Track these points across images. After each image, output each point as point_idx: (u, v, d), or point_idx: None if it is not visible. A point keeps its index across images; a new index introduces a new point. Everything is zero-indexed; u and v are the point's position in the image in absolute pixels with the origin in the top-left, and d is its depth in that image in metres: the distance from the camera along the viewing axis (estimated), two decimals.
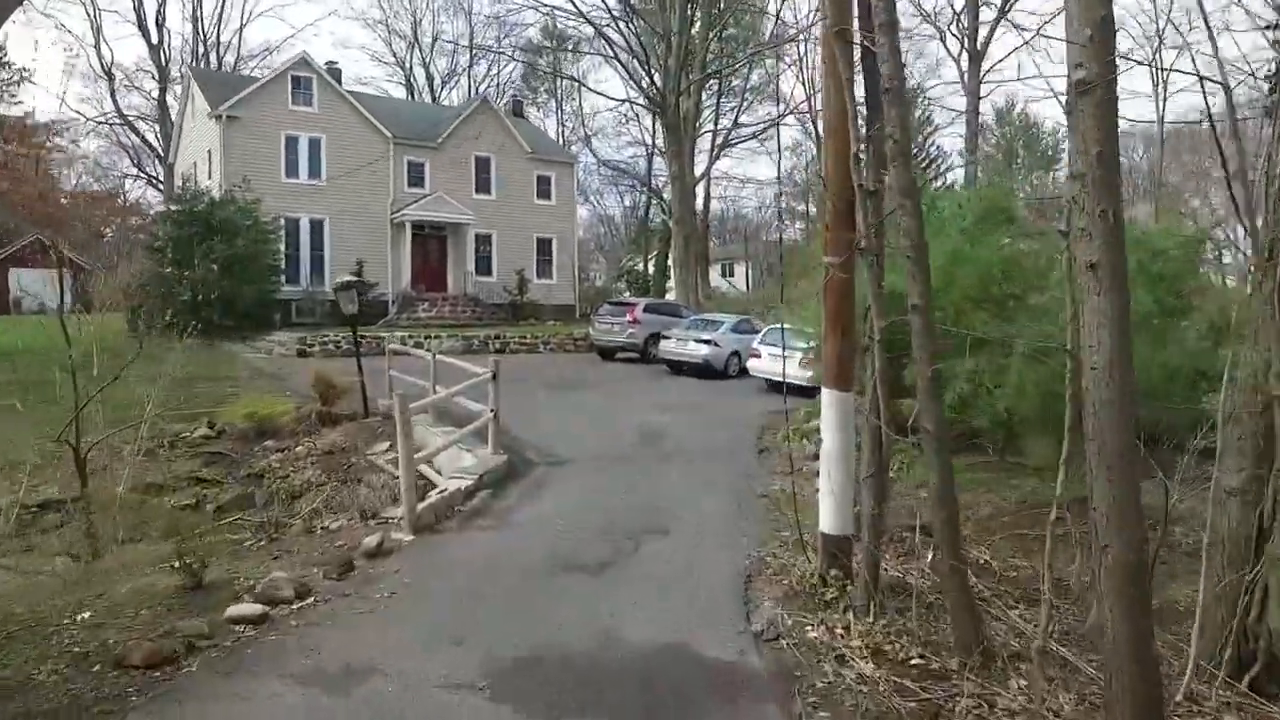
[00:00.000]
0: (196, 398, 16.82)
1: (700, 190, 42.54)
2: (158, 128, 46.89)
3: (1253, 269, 4.34)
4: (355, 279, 15.25)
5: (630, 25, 31.46)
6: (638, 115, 49.37)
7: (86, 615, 5.91)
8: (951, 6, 35.13)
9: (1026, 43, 34.06)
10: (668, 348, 21.24)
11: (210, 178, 28.37)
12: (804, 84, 44.79)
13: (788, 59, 44.15)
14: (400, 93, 50.55)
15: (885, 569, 5.88)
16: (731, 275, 60.99)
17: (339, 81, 31.02)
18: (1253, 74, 11.15)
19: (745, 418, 14.62)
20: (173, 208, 27.58)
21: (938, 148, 47.91)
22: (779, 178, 54.59)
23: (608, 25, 31.20)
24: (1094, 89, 3.29)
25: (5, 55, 42.79)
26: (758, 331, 21.04)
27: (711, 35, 34.65)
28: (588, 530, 7.71)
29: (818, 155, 47.58)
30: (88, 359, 11.07)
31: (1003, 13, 31.30)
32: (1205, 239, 10.96)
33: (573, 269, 36.32)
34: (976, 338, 10.43)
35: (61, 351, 10.99)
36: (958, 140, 46.39)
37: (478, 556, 7.04)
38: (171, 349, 23.77)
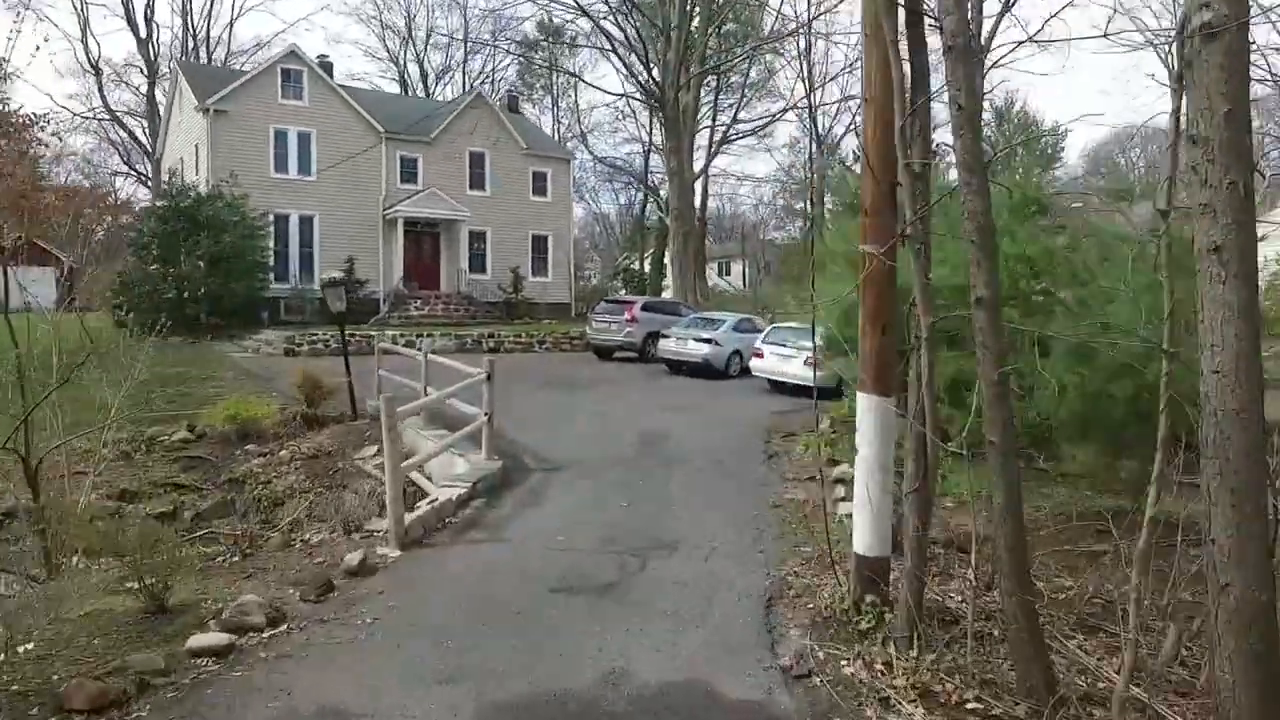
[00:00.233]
0: (177, 398, 16.19)
1: (698, 188, 41.93)
2: (146, 124, 46.14)
3: None
4: (343, 276, 14.56)
5: (629, 18, 30.84)
6: (634, 111, 48.83)
7: (30, 646, 5.27)
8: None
9: (1030, 38, 33.26)
10: (667, 347, 20.63)
11: (197, 173, 27.70)
12: (804, 80, 44.20)
13: (787, 54, 43.70)
14: (394, 89, 49.86)
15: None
16: (728, 274, 60.45)
17: (330, 75, 30.33)
18: None
19: (749, 420, 14.01)
20: (158, 203, 26.86)
21: (936, 146, 47.35)
22: (786, 170, 54.04)
23: (605, 18, 30.61)
24: (1223, 34, 2.70)
25: None
26: (759, 330, 20.47)
27: (710, 30, 34.06)
28: (589, 545, 7.09)
29: (819, 151, 47.05)
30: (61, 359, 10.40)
31: (1007, 6, 30.75)
32: None
33: (569, 267, 35.69)
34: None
35: (42, 351, 10.36)
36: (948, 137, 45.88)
37: (470, 575, 6.41)
38: (160, 347, 23.36)
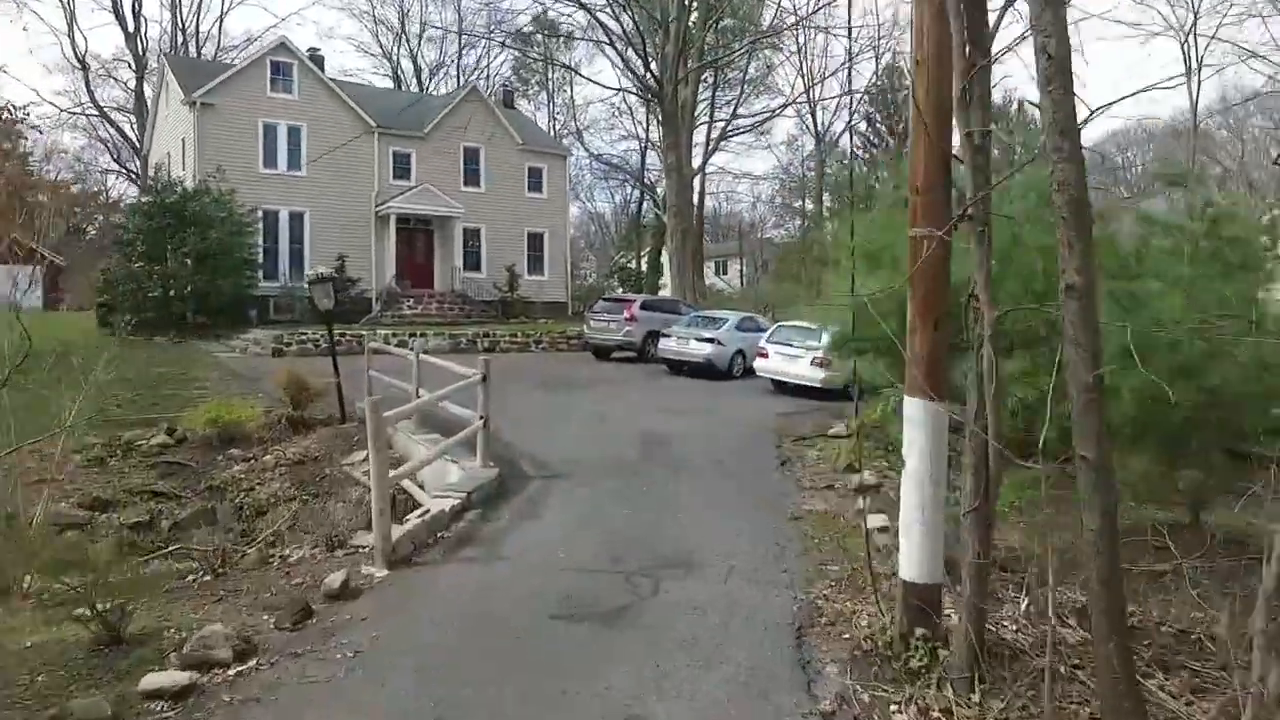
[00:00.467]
0: (159, 400, 15.50)
1: (695, 185, 41.30)
2: (135, 120, 45.35)
3: None
4: (330, 272, 13.92)
5: (626, 10, 30.18)
6: (631, 109, 48.23)
7: None
8: None
9: (1023, 36, 32.73)
10: (668, 346, 20.00)
11: (184, 168, 26.98)
12: (803, 76, 43.64)
13: (786, 49, 43.14)
14: (387, 85, 49.10)
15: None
16: (725, 273, 59.79)
17: (321, 69, 29.61)
18: None
19: (757, 422, 13.40)
20: (143, 199, 26.15)
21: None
22: (784, 168, 53.48)
23: (602, 9, 29.94)
24: None
25: None
26: (762, 330, 19.87)
27: (709, 24, 33.44)
28: (594, 563, 6.47)
29: (817, 147, 46.51)
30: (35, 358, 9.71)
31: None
32: None
33: (565, 265, 35.05)
34: (1025, 335, 9.24)
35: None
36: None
37: (463, 600, 5.78)
38: (144, 346, 22.69)
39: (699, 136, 40.93)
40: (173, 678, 4.57)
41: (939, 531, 4.45)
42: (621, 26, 30.73)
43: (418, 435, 11.49)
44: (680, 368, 19.86)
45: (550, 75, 49.12)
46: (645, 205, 50.34)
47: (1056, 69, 3.05)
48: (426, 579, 6.23)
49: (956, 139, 4.35)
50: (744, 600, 5.67)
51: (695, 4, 31.50)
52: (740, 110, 43.14)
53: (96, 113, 46.36)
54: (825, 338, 16.44)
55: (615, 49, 31.94)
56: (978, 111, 4.07)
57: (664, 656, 4.80)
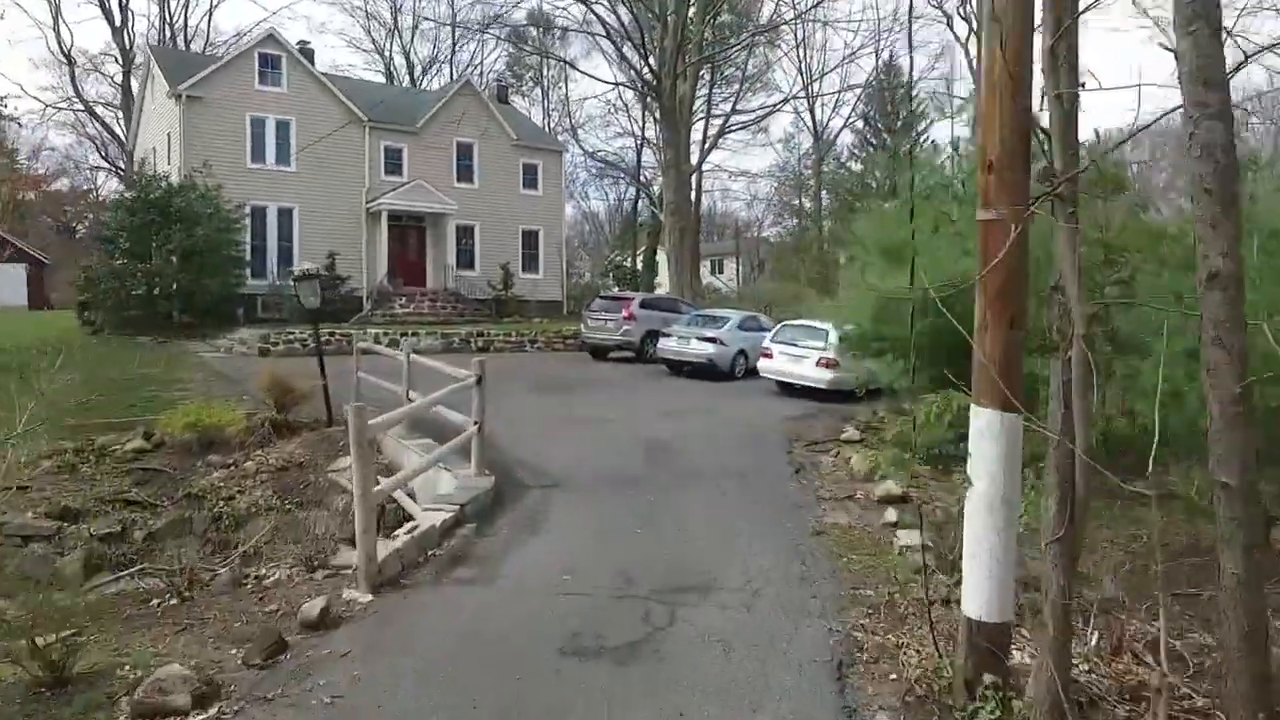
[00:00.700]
0: (138, 403, 14.81)
1: (692, 183, 40.67)
2: (123, 116, 44.50)
3: None
4: (316, 268, 13.24)
5: (624, 3, 29.55)
6: (627, 105, 47.61)
7: None
8: None
9: (1035, 28, 32.21)
10: (668, 346, 19.37)
11: (170, 162, 26.24)
12: (801, 73, 43.08)
13: (785, 45, 42.57)
14: (379, 81, 48.34)
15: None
16: (721, 272, 59.21)
17: (311, 62, 28.86)
18: None
19: (765, 426, 12.78)
20: (126, 194, 25.40)
21: (933, 143, 46.24)
22: (782, 166, 52.88)
23: (599, 2, 29.30)
24: None
25: None
26: (765, 329, 19.26)
27: (707, 19, 32.81)
28: (602, 587, 5.84)
29: (815, 144, 45.91)
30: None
31: None
32: None
33: (560, 263, 34.38)
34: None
35: None
36: (947, 131, 44.95)
37: (456, 631, 5.14)
38: (127, 346, 21.96)
39: (696, 134, 40.37)
40: None
41: (1011, 562, 3.83)
42: (619, 20, 30.12)
43: (409, 441, 10.84)
44: (680, 368, 19.24)
45: (545, 72, 48.49)
46: (641, 204, 49.72)
47: (1199, 8, 2.43)
48: (415, 606, 5.58)
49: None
50: (772, 631, 5.05)
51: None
52: (738, 107, 42.51)
53: (83, 108, 45.51)
54: (832, 337, 15.87)
55: (612, 42, 31.31)
56: (1066, 72, 3.46)
57: (689, 703, 4.17)
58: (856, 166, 47.27)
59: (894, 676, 4.42)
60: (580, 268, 56.95)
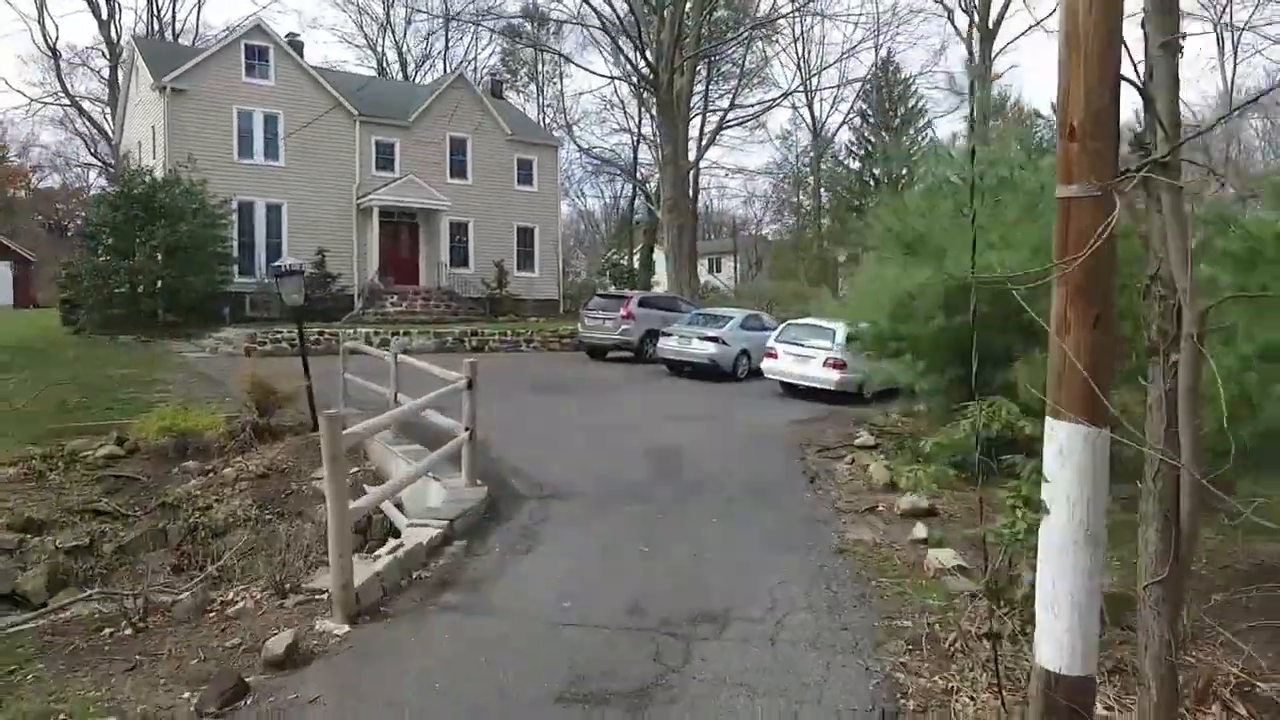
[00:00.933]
0: (114, 405, 14.16)
1: (689, 179, 40.03)
2: (110, 111, 43.74)
3: None
4: (299, 263, 12.57)
5: None
6: (623, 101, 47.00)
7: None
8: None
9: (1039, 23, 31.83)
10: (669, 346, 18.75)
11: (154, 156, 25.53)
12: (800, 69, 42.50)
13: (783, 40, 41.98)
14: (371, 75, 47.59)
15: None
16: (718, 271, 58.61)
17: (300, 54, 28.18)
18: None
19: (772, 430, 12.18)
20: (109, 189, 24.69)
21: (933, 140, 45.64)
22: (778, 164, 52.30)
23: None
24: None
25: None
26: (768, 328, 18.67)
27: (705, 11, 32.18)
28: (606, 616, 5.23)
29: (814, 140, 45.31)
30: None
31: None
32: None
33: (556, 261, 33.73)
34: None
35: None
36: (946, 129, 44.41)
37: (442, 671, 4.53)
38: (108, 345, 21.28)
39: (693, 130, 39.74)
40: None
41: (1095, 606, 3.23)
42: (615, 13, 29.48)
43: (397, 446, 10.22)
44: (681, 369, 18.64)
45: (540, 67, 47.82)
46: (638, 201, 49.11)
47: None
48: (397, 639, 4.96)
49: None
50: (801, 672, 4.44)
51: None
52: (736, 102, 41.88)
53: (69, 102, 44.72)
54: (840, 337, 15.29)
55: (608, 35, 30.65)
56: (1165, 18, 2.86)
57: None
58: (854, 164, 46.77)
59: None
60: (576, 266, 56.34)
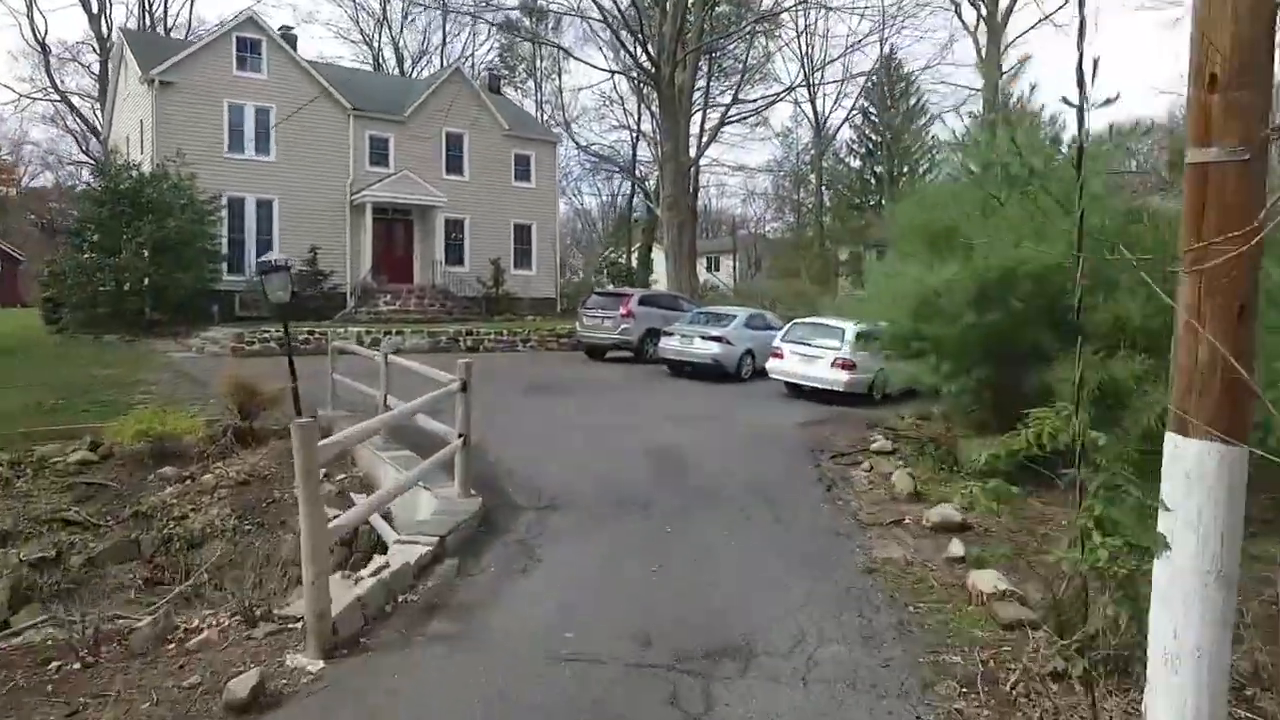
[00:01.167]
0: (91, 408, 13.49)
1: (689, 177, 39.41)
2: (100, 107, 43.04)
3: None
4: (284, 259, 11.98)
5: None
6: (622, 97, 46.38)
7: None
8: None
9: (1047, 17, 31.30)
10: (670, 345, 18.14)
11: (143, 151, 24.86)
12: (802, 62, 41.91)
13: (786, 35, 41.40)
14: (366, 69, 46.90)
15: None
16: (717, 269, 58.02)
17: (294, 48, 27.51)
18: None
19: (781, 433, 11.58)
20: (94, 183, 24.04)
21: (934, 138, 45.06)
22: (779, 162, 51.72)
23: None
24: None
25: None
26: (773, 327, 18.08)
27: (706, 8, 31.57)
28: (613, 649, 4.63)
29: (816, 136, 44.74)
30: None
31: None
32: None
33: (554, 259, 33.12)
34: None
35: None
36: (954, 124, 43.81)
37: (429, 718, 3.92)
38: (91, 345, 20.62)
39: (694, 127, 39.11)
40: None
41: (1226, 664, 2.64)
42: (616, 4, 28.85)
43: (386, 452, 9.63)
44: (681, 369, 18.03)
45: (538, 63, 47.17)
46: (636, 199, 48.50)
47: None
48: (377, 678, 4.36)
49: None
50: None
51: None
52: (738, 98, 41.26)
53: (59, 98, 44.02)
54: (850, 335, 14.69)
55: (609, 27, 30.04)
56: None
57: None
58: (856, 163, 46.17)
59: None
60: (574, 265, 55.70)
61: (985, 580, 5.32)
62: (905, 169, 43.05)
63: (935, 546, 6.44)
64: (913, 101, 44.36)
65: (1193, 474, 2.56)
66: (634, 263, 45.29)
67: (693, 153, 37.15)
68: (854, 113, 44.68)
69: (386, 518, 8.26)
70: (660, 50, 27.68)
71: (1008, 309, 8.30)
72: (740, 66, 40.59)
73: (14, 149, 54.26)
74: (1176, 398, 2.61)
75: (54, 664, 4.98)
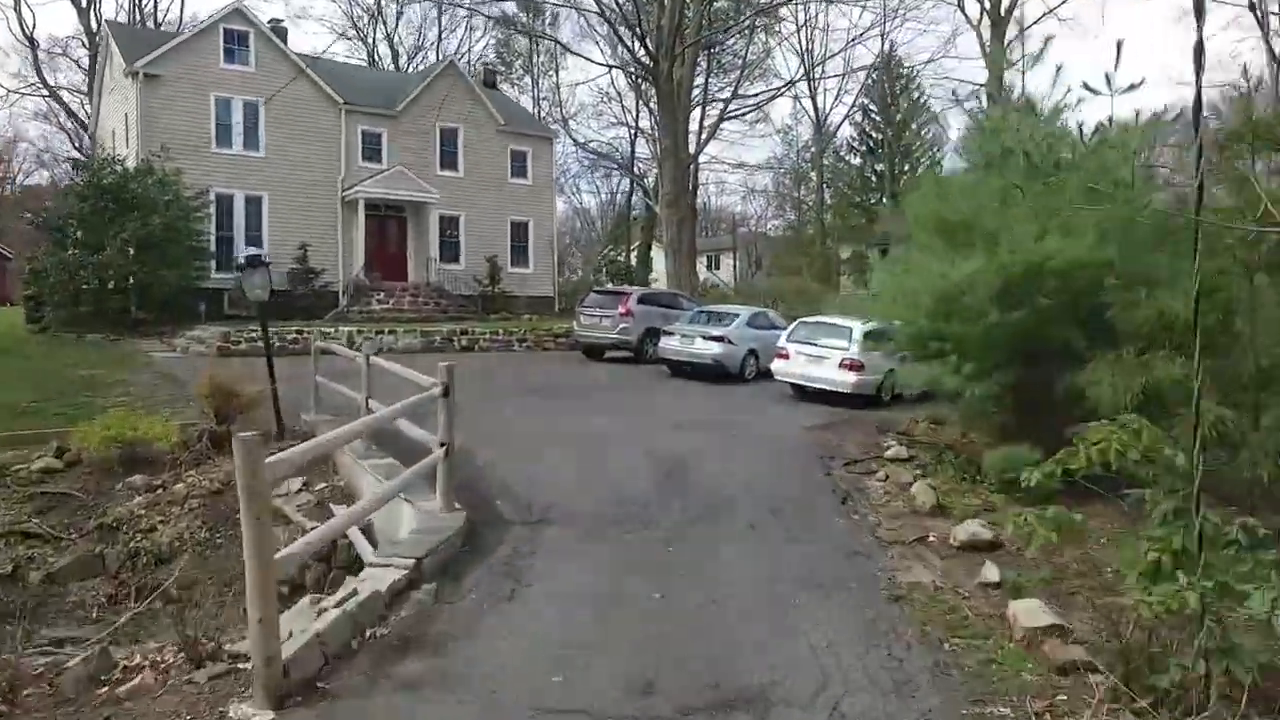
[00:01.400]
0: (65, 410, 12.85)
1: (689, 174, 38.77)
2: (90, 102, 42.37)
3: None
4: (265, 254, 11.41)
5: None
6: (620, 94, 45.72)
7: None
8: None
9: (1051, 11, 30.72)
10: (671, 345, 17.52)
11: (128, 146, 24.22)
12: (802, 57, 41.29)
13: (785, 31, 40.80)
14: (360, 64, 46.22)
15: None
16: (717, 268, 57.41)
17: (284, 41, 26.85)
18: None
19: (789, 438, 10.99)
20: (77, 178, 23.40)
21: (933, 135, 44.41)
22: (780, 159, 51.08)
23: None
24: None
25: None
26: (777, 327, 17.47)
27: (703, 5, 30.92)
28: (609, 701, 4.02)
29: (817, 133, 44.14)
30: None
31: None
32: None
33: (551, 257, 32.49)
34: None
35: None
36: (955, 121, 43.24)
37: None
38: (72, 344, 20.01)
39: (693, 124, 38.48)
40: None
41: None
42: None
43: (368, 460, 9.02)
44: (682, 369, 17.41)
45: (535, 59, 46.52)
46: (635, 197, 47.89)
47: None
48: None
49: None
50: None
51: None
52: (737, 93, 40.61)
53: (48, 93, 43.36)
54: (857, 335, 14.10)
55: (607, 21, 29.42)
56: None
57: None
58: (856, 160, 45.54)
59: None
60: (572, 264, 55.10)
61: (1028, 612, 4.72)
62: (906, 167, 42.46)
63: (965, 569, 5.84)
64: (915, 98, 43.75)
65: None
66: (633, 261, 44.71)
67: (692, 149, 36.54)
68: (854, 110, 44.11)
69: (367, 530, 7.68)
70: (658, 45, 27.07)
71: (1034, 306, 7.73)
72: (739, 62, 39.96)
73: (5, 146, 53.60)
74: None
75: None
